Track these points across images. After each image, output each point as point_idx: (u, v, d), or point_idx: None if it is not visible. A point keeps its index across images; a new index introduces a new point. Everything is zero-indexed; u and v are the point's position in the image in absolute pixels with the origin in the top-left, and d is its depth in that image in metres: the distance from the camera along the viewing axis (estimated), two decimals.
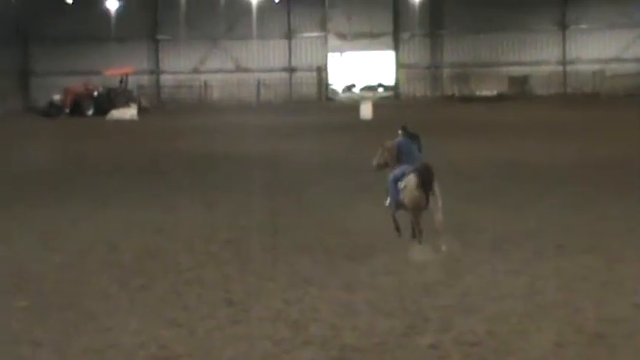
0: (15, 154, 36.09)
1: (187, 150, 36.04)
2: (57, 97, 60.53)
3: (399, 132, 17.16)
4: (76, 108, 59.59)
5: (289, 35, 70.33)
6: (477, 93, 68.13)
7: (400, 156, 16.78)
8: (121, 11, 64.40)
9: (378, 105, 55.14)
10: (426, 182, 16.03)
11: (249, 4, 64.52)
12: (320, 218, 20.13)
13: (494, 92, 67.95)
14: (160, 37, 70.01)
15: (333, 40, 71.05)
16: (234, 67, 70.12)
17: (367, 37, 70.57)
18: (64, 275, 15.27)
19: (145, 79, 69.08)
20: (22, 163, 32.66)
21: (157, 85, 70.58)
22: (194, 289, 14.04)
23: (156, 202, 22.97)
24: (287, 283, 14.29)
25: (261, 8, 65.24)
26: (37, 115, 59.91)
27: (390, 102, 67.06)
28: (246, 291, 13.91)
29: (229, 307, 13.05)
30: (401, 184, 16.36)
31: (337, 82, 74.42)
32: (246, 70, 69.76)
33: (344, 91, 74.98)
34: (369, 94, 70.82)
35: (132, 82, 63.69)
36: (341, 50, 72.22)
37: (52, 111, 59.35)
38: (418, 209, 16.24)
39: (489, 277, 14.46)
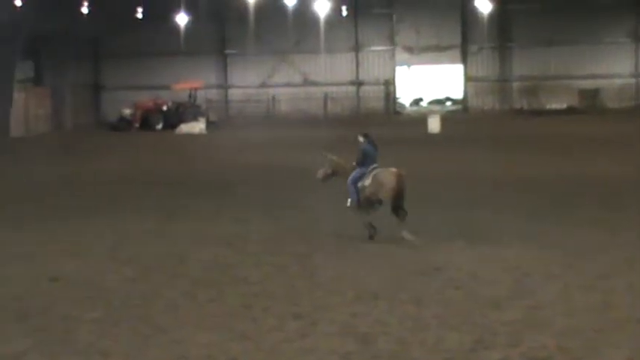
0: (85, 167, 36.56)
1: (255, 163, 36.19)
2: (127, 112, 61.27)
3: (361, 139, 19.32)
4: (146, 122, 60.25)
5: (357, 49, 70.37)
6: (547, 106, 67.39)
7: (365, 160, 19.09)
8: (190, 26, 65.03)
9: (445, 119, 54.89)
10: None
11: (317, 18, 64.72)
12: (388, 232, 20.05)
13: (564, 105, 67.16)
14: (228, 51, 70.54)
15: (400, 54, 70.92)
16: (302, 81, 70.35)
17: (435, 51, 70.30)
18: (133, 288, 15.42)
19: (214, 94, 69.59)
20: (92, 176, 33.09)
21: (225, 99, 71.04)
22: (262, 302, 14.07)
23: (224, 215, 23.10)
24: (355, 297, 14.26)
25: (328, 22, 65.36)
26: (107, 129, 60.73)
27: (458, 116, 66.68)
28: (314, 304, 13.90)
29: (297, 320, 13.05)
30: (360, 184, 18.91)
31: (405, 95, 74.24)
32: (314, 83, 69.94)
33: (411, 104, 74.78)
34: (437, 107, 70.52)
35: (200, 96, 64.22)
36: (408, 63, 72.04)
37: (122, 125, 60.09)
38: (399, 195, 18.59)
39: (560, 291, 14.28)
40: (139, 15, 62.16)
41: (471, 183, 28.60)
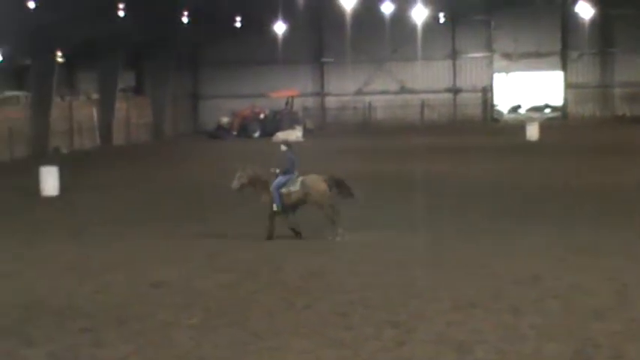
0: (183, 174, 37.06)
1: (353, 170, 36.16)
2: (225, 120, 62.00)
3: (284, 148, 21.19)
4: (244, 130, 60.90)
5: (454, 56, 69.98)
6: None
7: (290, 167, 20.76)
8: (287, 35, 65.49)
9: (544, 126, 54.16)
10: (339, 183, 20.80)
11: (414, 26, 64.50)
12: (485, 242, 19.89)
13: None
14: (325, 59, 70.84)
15: (498, 61, 70.28)
16: (399, 89, 70.22)
17: (534, 57, 69.44)
18: (230, 294, 15.56)
19: (310, 101, 69.95)
20: (189, 184, 33.53)
21: (322, 107, 71.36)
22: (358, 310, 14.06)
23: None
24: (451, 306, 14.15)
25: (426, 29, 65.07)
26: (205, 137, 61.51)
27: (557, 123, 65.73)
28: (411, 312, 13.84)
29: (394, 328, 13.00)
30: (284, 190, 20.43)
31: (502, 102, 73.50)
32: (411, 91, 69.74)
33: (509, 111, 73.94)
34: (536, 114, 69.57)
35: (297, 104, 64.65)
36: (507, 70, 71.29)
37: (220, 133, 60.83)
38: (326, 200, 20.45)
39: None
40: (238, 24, 62.83)
41: (572, 193, 28.16)
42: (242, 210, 26.01)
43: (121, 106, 57.59)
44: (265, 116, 61.79)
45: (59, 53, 51.68)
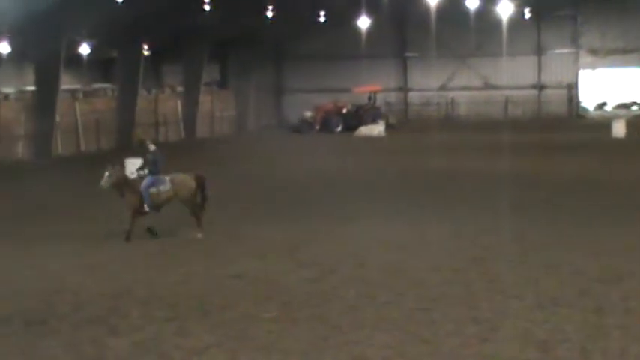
0: (267, 168, 37.24)
1: (434, 167, 36.05)
2: (308, 114, 62.15)
3: (152, 148, 21.23)
4: (326, 124, 60.96)
5: (539, 52, 69.09)
6: None
7: (155, 168, 20.88)
8: (371, 30, 65.32)
9: (631, 123, 53.16)
10: (201, 184, 21.03)
11: (499, 21, 63.80)
12: (569, 238, 19.62)
13: None
14: (408, 54, 70.56)
15: (584, 57, 69.22)
16: (482, 84, 69.61)
17: (621, 53, 68.20)
18: (312, 288, 15.60)
19: (393, 96, 69.76)
20: (272, 178, 33.69)
21: (405, 102, 71.11)
22: (440, 306, 13.98)
23: (401, 218, 23.09)
24: (534, 303, 13.99)
25: (511, 25, 64.32)
26: (288, 131, 61.74)
27: None
28: (493, 309, 13.72)
29: (476, 324, 12.91)
30: (153, 190, 20.59)
31: (588, 99, 72.37)
32: (494, 87, 69.07)
33: (595, 108, 72.78)
34: (622, 112, 68.36)
35: (380, 99, 64.50)
36: (593, 67, 70.18)
37: (302, 127, 61.00)
38: (194, 198, 20.89)
39: None
40: (322, 19, 62.92)
41: None
42: (322, 206, 26.09)
43: (205, 100, 58.11)
44: (348, 111, 61.77)
45: (145, 46, 52.38)
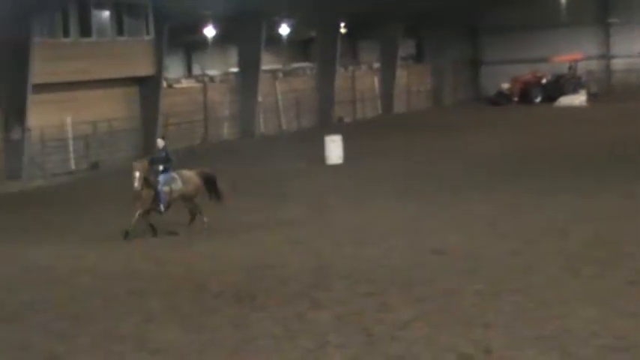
0: (461, 143, 36.87)
1: None
2: (505, 86, 61.20)
3: (162, 144, 20.20)
4: (525, 96, 59.86)
5: None
6: None
7: (170, 163, 20.00)
8: None
9: None
10: (209, 181, 20.27)
11: None
12: None
13: None
14: (611, 20, 68.29)
15: None
16: None
17: None
18: (514, 261, 15.45)
19: (594, 65, 67.73)
20: (469, 151, 33.39)
21: (607, 70, 68.91)
22: None
23: (609, 190, 22.47)
24: None
25: None
26: (485, 104, 61.00)
27: None
28: None
29: None
30: (166, 188, 19.58)
31: None
32: None
33: None
34: None
35: (581, 67, 62.76)
36: None
37: (500, 99, 60.13)
38: (198, 194, 20.10)
39: None
40: None
41: None
42: (524, 178, 25.72)
43: (401, 75, 58.15)
44: (547, 81, 60.46)
45: (342, 24, 52.85)
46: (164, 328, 12.59)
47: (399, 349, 11.09)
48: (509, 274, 14.50)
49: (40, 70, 31.88)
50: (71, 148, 34.43)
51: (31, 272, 16.89)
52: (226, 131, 43.96)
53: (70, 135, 34.31)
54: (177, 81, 44.74)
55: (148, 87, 38.42)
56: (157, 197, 19.61)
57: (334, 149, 32.26)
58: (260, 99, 44.88)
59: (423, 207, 21.80)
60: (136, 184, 19.24)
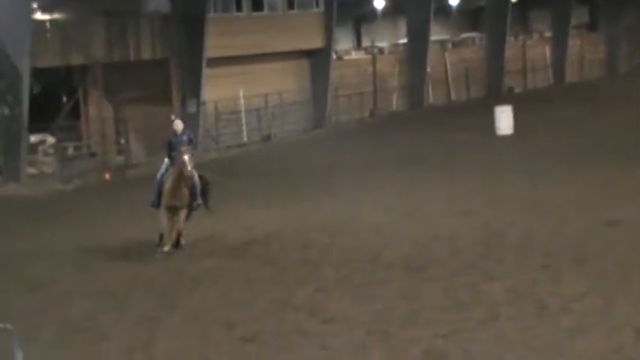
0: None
1: None
2: None
3: (182, 126, 16.75)
4: None
5: None
6: None
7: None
8: None
9: None
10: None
11: None
12: None
13: None
14: None
15: None
16: None
17: None
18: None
19: None
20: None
21: None
22: None
23: None
24: None
25: None
26: None
27: None
28: None
29: None
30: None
31: None
32: None
33: None
34: None
35: None
36: None
37: None
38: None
39: None
40: None
41: None
42: None
43: (574, 44, 56.79)
44: None
45: None
46: (336, 298, 12.83)
47: (571, 322, 10.97)
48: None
49: (214, 45, 32.73)
50: (244, 121, 35.24)
51: (209, 240, 17.47)
52: (395, 102, 44.04)
53: (242, 108, 35.11)
54: (347, 53, 45.03)
55: (318, 59, 38.87)
56: (193, 190, 16.78)
57: (504, 120, 31.90)
58: (429, 70, 44.73)
59: (594, 178, 21.34)
60: (190, 167, 16.30)
